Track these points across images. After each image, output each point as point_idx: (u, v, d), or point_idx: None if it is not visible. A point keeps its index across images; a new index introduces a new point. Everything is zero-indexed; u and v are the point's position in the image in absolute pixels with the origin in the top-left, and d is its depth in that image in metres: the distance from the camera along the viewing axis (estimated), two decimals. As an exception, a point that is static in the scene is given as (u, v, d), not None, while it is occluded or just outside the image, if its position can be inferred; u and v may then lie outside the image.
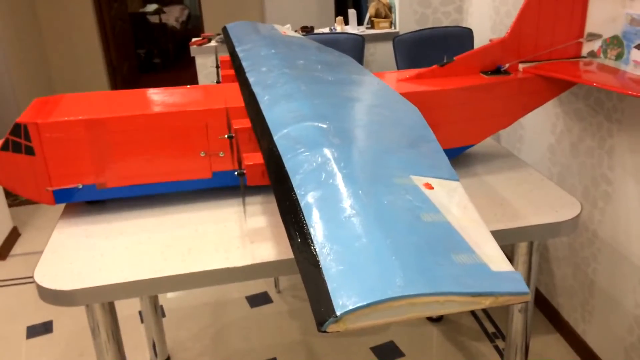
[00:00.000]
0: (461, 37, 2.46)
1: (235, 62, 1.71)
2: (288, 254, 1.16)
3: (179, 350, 2.10)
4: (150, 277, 1.11)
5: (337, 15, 4.69)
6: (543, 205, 1.33)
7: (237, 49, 1.78)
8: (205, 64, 2.64)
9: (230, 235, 1.24)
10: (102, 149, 1.29)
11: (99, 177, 1.31)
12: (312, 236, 0.67)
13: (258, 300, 2.36)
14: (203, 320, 2.26)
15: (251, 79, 1.41)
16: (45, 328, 2.27)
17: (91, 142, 1.28)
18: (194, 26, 9.09)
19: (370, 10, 2.79)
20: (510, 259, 1.13)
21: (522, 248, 1.40)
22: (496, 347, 2.02)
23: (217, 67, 1.86)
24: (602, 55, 1.63)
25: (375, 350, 2.03)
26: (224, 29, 2.35)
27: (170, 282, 1.12)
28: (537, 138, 2.14)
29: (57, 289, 1.08)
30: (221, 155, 1.35)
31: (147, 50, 7.56)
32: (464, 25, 2.75)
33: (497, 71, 1.53)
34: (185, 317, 2.29)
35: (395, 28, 2.77)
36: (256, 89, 1.33)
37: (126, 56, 6.21)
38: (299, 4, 4.40)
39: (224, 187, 1.41)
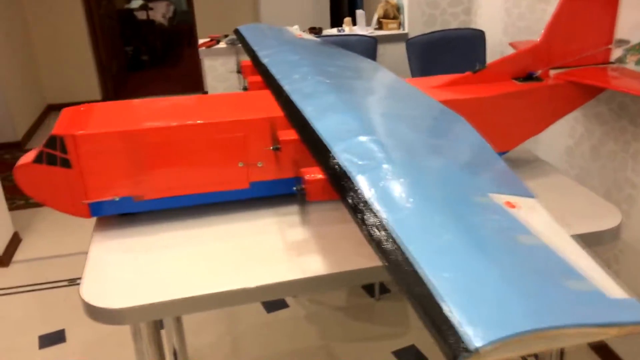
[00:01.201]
0: (473, 39, 2.46)
1: (259, 67, 1.69)
2: (338, 266, 1.15)
3: (198, 358, 2.08)
4: (201, 293, 1.09)
5: (332, 15, 4.67)
6: (582, 213, 1.34)
7: (259, 54, 1.76)
8: (215, 67, 2.61)
9: (273, 248, 1.22)
10: (139, 161, 1.26)
11: (136, 189, 1.29)
12: (415, 263, 0.66)
13: (274, 305, 2.34)
14: (220, 327, 2.24)
15: (286, 87, 1.39)
16: (58, 337, 2.23)
17: (129, 154, 1.25)
18: (179, 22, 9.00)
19: (379, 11, 2.78)
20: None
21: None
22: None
23: (239, 72, 1.84)
24: (623, 60, 1.64)
25: (398, 354, 2.03)
26: (237, 31, 2.32)
27: (222, 298, 1.10)
28: (554, 141, 2.15)
29: (109, 308, 1.06)
30: (259, 165, 1.33)
31: (134, 48, 7.46)
32: (472, 26, 2.75)
33: (529, 78, 1.53)
34: (202, 324, 2.26)
35: (403, 29, 2.77)
36: (295, 98, 1.31)
37: (114, 54, 6.11)
38: (294, 1, 4.37)
39: (261, 198, 1.39)
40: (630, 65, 1.62)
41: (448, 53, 2.41)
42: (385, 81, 1.48)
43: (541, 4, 2.18)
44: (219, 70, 2.67)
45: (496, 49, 2.51)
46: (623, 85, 1.51)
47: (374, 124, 1.11)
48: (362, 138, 1.02)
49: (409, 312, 2.24)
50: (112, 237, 1.30)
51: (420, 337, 2.10)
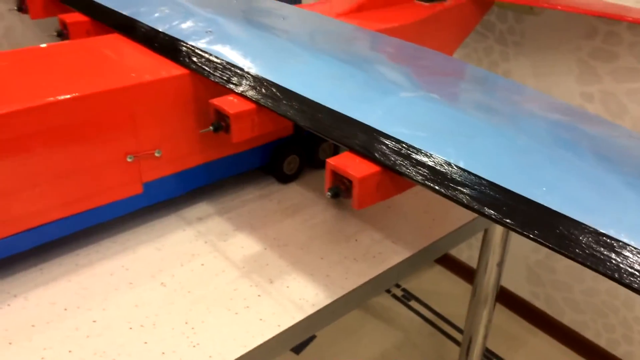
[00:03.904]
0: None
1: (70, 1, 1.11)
2: (337, 286, 0.79)
3: None
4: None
5: None
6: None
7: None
8: None
9: (225, 278, 0.79)
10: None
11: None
12: None
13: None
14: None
15: (170, 32, 0.90)
16: None
17: None
18: None
19: None
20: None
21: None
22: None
23: (20, 9, 1.20)
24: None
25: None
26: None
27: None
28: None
29: None
30: (157, 155, 0.85)
31: None
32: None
33: (430, -4, 1.30)
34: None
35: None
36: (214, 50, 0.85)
37: None
38: None
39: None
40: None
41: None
42: (306, 17, 1.07)
43: None
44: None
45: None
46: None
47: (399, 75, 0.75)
48: (402, 96, 0.66)
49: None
50: None
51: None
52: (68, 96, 0.73)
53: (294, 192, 1.01)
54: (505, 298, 1.94)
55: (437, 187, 0.55)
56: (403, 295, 2.03)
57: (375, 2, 1.21)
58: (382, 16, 1.16)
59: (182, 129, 0.86)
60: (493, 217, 0.50)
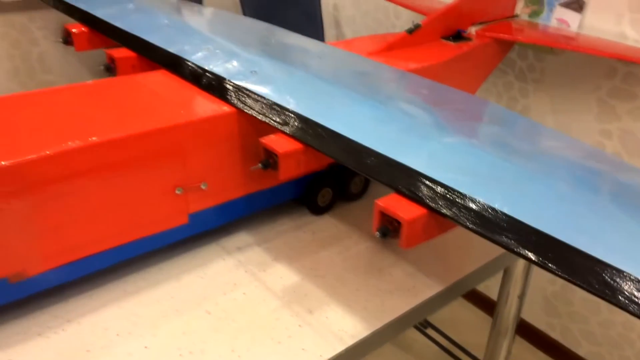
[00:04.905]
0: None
1: (114, 35, 1.17)
2: (377, 315, 0.83)
3: None
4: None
5: None
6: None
7: (99, 15, 1.22)
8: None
9: (266, 308, 0.83)
10: (15, 216, 0.72)
11: (12, 263, 0.74)
12: None
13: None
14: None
15: (212, 68, 0.96)
16: None
17: (-4, 207, 0.70)
18: None
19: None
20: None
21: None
22: None
23: (66, 42, 1.25)
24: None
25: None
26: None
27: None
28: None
29: None
30: (203, 187, 0.89)
31: None
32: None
33: (458, 36, 1.35)
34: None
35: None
36: (245, 84, 0.90)
37: None
38: None
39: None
40: (523, 17, 1.57)
41: (284, 4, 2.10)
42: (343, 57, 1.12)
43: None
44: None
45: (329, 0, 2.29)
46: (533, 37, 1.44)
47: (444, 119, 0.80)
48: (447, 141, 0.71)
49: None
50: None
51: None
52: (123, 134, 0.77)
53: (327, 223, 1.05)
54: (522, 328, 1.96)
55: (483, 232, 0.59)
56: (420, 323, 2.05)
57: (405, 41, 1.26)
58: (412, 55, 1.21)
59: (227, 163, 0.90)
60: (540, 263, 0.53)
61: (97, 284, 0.86)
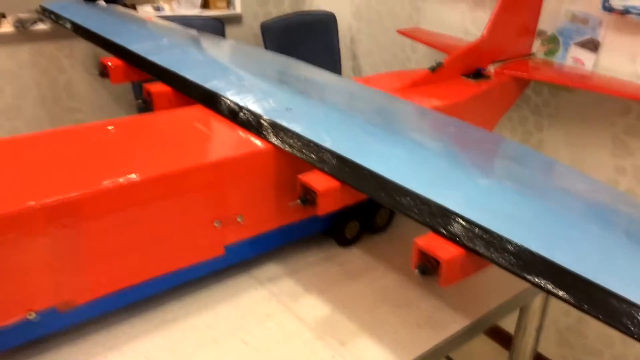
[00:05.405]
0: (327, 22, 2.25)
1: (151, 71, 1.21)
2: (409, 348, 0.85)
3: None
4: None
5: None
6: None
7: (135, 50, 1.27)
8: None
9: (299, 339, 0.86)
10: (66, 248, 0.75)
11: (61, 293, 0.77)
12: None
13: None
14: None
15: (246, 105, 1.00)
16: None
17: (51, 239, 0.73)
18: None
19: (204, -13, 2.35)
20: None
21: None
22: None
23: (102, 74, 1.30)
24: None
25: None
26: (48, 11, 1.70)
27: None
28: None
29: None
30: (239, 220, 0.93)
31: None
32: (306, 7, 2.53)
33: (478, 74, 1.40)
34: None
35: (234, 9, 2.40)
36: (292, 126, 0.94)
37: None
38: None
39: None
40: (539, 55, 1.62)
41: (304, 36, 2.16)
42: (372, 95, 1.17)
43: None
44: (4, 65, 1.94)
45: (346, 33, 2.35)
46: (550, 76, 1.48)
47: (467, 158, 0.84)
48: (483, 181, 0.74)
49: None
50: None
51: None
52: (169, 171, 0.81)
53: (354, 255, 1.08)
54: None
55: (519, 273, 0.62)
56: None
57: (427, 79, 1.31)
58: (436, 93, 1.25)
59: (262, 197, 0.94)
60: (575, 304, 0.57)
61: (137, 312, 0.89)
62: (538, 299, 1.27)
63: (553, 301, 1.59)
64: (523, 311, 1.29)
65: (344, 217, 1.07)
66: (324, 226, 1.08)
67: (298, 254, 1.06)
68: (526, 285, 1.03)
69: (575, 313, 1.82)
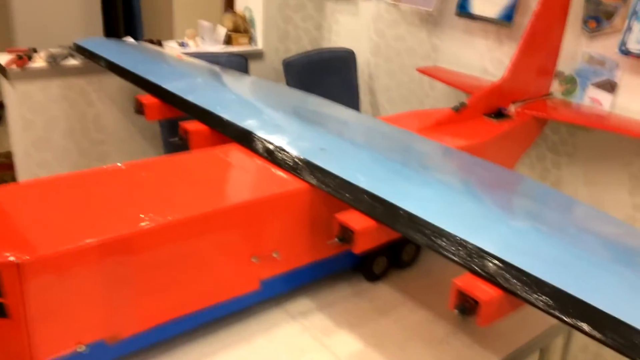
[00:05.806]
0: (346, 59, 2.31)
1: (188, 109, 1.26)
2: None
3: None
4: None
5: (106, 25, 3.95)
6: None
7: (170, 88, 1.33)
8: (30, 93, 1.92)
9: (332, 373, 0.88)
10: (115, 283, 0.79)
11: (109, 326, 0.80)
12: None
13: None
14: None
15: (286, 147, 1.04)
16: None
17: (102, 275, 0.77)
18: None
19: (227, 24, 2.42)
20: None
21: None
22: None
23: (138, 111, 1.36)
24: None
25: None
26: (81, 49, 1.77)
27: None
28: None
29: None
30: (275, 256, 0.96)
31: None
32: (324, 43, 2.60)
33: (499, 114, 1.44)
34: None
35: (255, 44, 2.47)
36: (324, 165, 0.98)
37: None
38: (54, 7, 3.57)
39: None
40: (557, 95, 1.66)
41: (324, 72, 2.22)
42: (400, 135, 1.21)
43: (412, 27, 2.15)
44: (36, 98, 2.01)
45: (365, 69, 2.41)
46: (569, 116, 1.52)
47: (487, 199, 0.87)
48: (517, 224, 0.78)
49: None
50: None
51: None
52: (210, 210, 0.85)
53: (382, 291, 1.10)
54: (552, 396, 1.97)
55: (556, 314, 0.65)
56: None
57: (451, 118, 1.35)
58: (460, 132, 1.29)
59: (298, 234, 0.97)
60: (612, 345, 0.59)
61: (176, 345, 0.92)
62: (559, 339, 1.28)
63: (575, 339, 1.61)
64: (544, 352, 1.31)
65: (372, 253, 1.10)
66: (353, 262, 1.11)
67: (328, 288, 1.09)
68: (549, 325, 1.05)
69: (593, 349, 1.83)
